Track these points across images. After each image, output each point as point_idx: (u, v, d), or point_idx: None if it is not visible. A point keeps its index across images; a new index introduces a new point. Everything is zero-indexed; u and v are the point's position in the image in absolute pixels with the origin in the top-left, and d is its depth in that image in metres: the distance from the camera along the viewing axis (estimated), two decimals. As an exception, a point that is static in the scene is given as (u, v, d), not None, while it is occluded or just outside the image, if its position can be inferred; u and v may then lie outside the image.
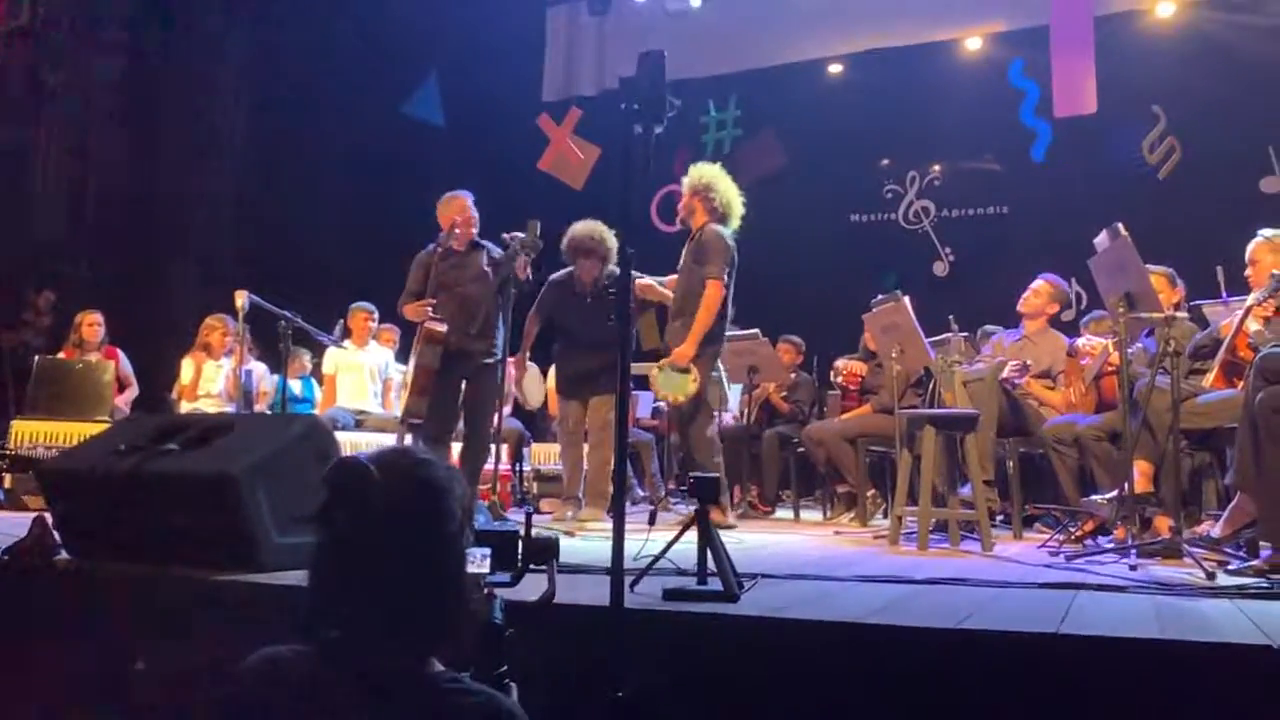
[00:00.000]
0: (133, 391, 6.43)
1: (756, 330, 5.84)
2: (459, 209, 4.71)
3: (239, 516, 2.43)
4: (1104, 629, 1.89)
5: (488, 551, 1.75)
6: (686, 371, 4.57)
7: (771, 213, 8.73)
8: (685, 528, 2.33)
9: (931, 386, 4.63)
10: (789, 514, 6.06)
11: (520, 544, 2.06)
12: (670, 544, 2.36)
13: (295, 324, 4.95)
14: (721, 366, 5.97)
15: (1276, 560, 2.83)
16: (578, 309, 4.98)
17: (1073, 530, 3.92)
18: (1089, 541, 3.84)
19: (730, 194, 4.80)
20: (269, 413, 5.84)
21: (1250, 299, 3.48)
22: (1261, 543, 3.08)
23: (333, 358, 6.13)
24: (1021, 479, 4.61)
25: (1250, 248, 3.87)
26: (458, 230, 4.63)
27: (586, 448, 5.01)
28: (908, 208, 8.74)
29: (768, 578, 2.56)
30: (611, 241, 4.84)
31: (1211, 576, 2.73)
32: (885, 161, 8.80)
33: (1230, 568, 2.94)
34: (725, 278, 4.63)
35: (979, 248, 8.15)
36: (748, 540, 4.05)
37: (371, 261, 7.29)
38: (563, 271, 5.06)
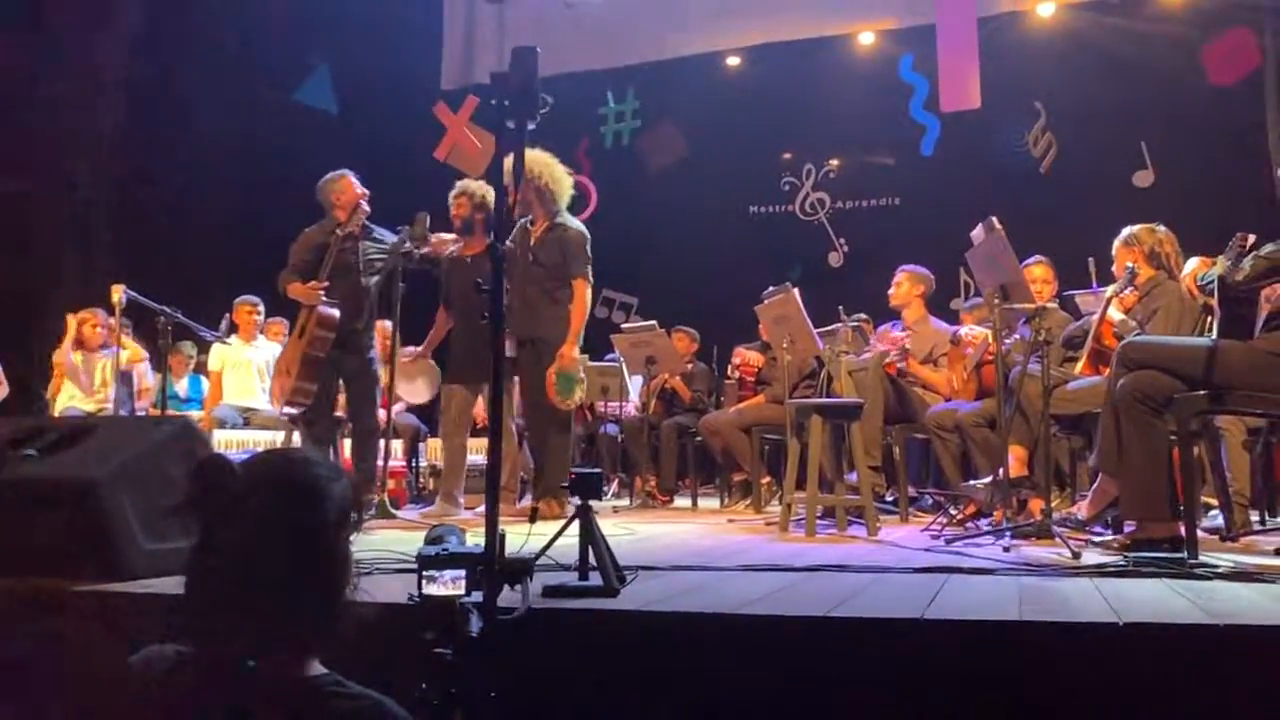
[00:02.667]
0: (2, 391, 6.12)
1: (653, 322, 5.88)
2: (348, 188, 4.56)
3: (103, 523, 2.33)
4: (968, 612, 1.96)
5: (461, 574, 1.73)
6: (575, 374, 4.52)
7: (672, 204, 8.84)
8: (566, 524, 2.32)
9: (823, 376, 4.73)
10: (688, 503, 6.12)
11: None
12: (551, 540, 2.36)
13: (175, 319, 4.77)
14: (621, 358, 6.00)
15: (1138, 535, 2.97)
16: (466, 283, 4.72)
17: (954, 514, 4.06)
18: (970, 524, 3.98)
19: (563, 182, 4.66)
20: (152, 412, 5.63)
21: (1109, 290, 3.65)
22: (1125, 521, 3.24)
23: (219, 354, 5.94)
24: (907, 464, 4.75)
25: (1115, 246, 4.07)
26: (365, 208, 4.52)
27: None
28: (804, 199, 8.90)
29: (651, 570, 2.58)
30: None
31: (1077, 556, 2.87)
32: (787, 155, 8.94)
33: (1098, 541, 3.09)
34: (588, 273, 4.57)
35: (872, 239, 8.35)
36: (641, 530, 4.08)
37: (261, 254, 7.07)
38: (456, 245, 4.92)
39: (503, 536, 1.90)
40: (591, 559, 2.23)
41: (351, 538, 1.33)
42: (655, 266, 8.63)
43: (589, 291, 4.60)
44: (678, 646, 1.92)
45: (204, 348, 6.16)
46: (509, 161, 1.94)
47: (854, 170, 8.73)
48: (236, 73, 8.10)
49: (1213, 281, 3.11)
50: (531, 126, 1.91)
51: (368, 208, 4.54)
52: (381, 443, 4.39)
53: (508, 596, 1.88)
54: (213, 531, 1.22)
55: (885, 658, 1.87)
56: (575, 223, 4.66)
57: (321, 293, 4.36)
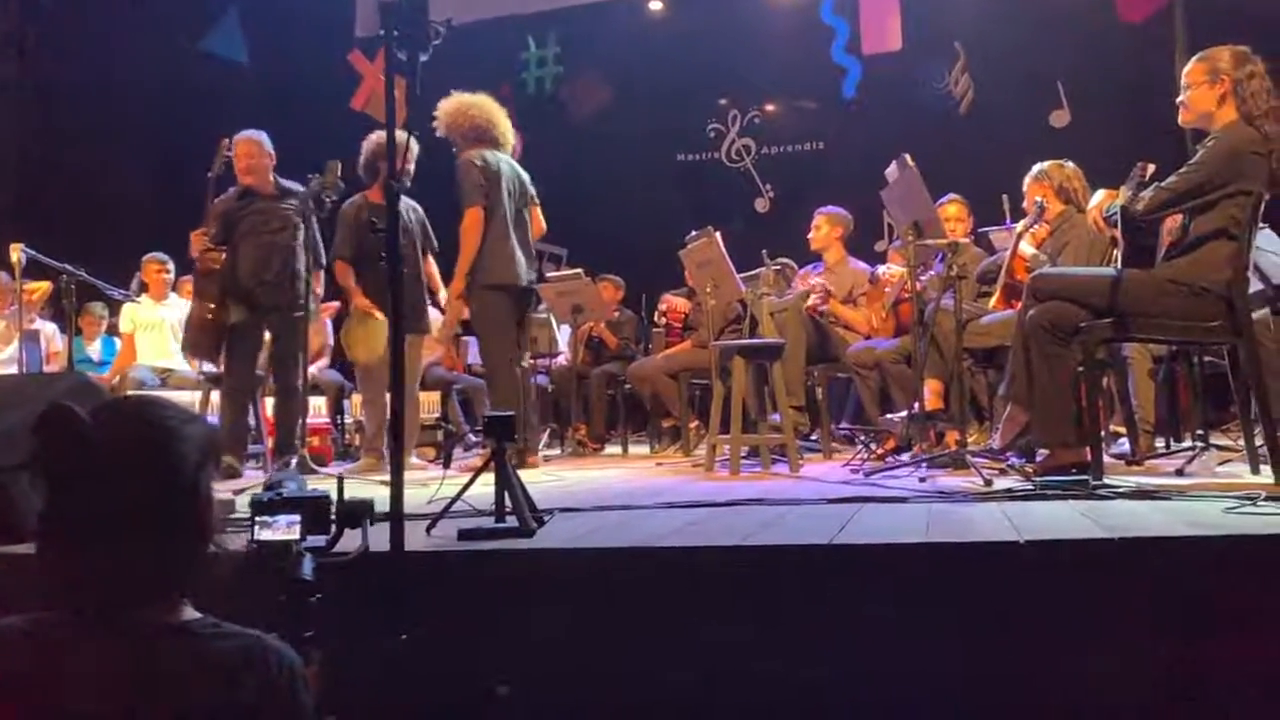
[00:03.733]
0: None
1: (579, 270, 5.84)
2: (244, 153, 4.46)
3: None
4: (876, 537, 2.00)
5: (296, 518, 1.70)
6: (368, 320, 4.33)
7: (599, 153, 8.76)
8: (481, 468, 2.31)
9: (747, 320, 4.76)
10: (619, 450, 6.15)
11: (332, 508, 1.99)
12: (467, 485, 2.35)
13: (78, 278, 4.59)
14: (549, 309, 5.96)
15: (1048, 463, 3.06)
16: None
17: (875, 448, 4.14)
18: (890, 458, 4.06)
19: (481, 117, 4.48)
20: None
21: (1020, 226, 3.71)
22: (1037, 449, 3.34)
23: (130, 314, 5.75)
24: (830, 403, 4.82)
25: (1026, 182, 4.13)
26: (251, 175, 4.40)
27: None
28: (730, 146, 8.88)
29: (573, 511, 2.59)
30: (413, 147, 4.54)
31: (989, 483, 2.94)
32: (723, 100, 8.88)
33: (1011, 464, 3.18)
34: (483, 201, 4.33)
35: (798, 183, 8.39)
36: (570, 478, 4.09)
37: (173, 209, 6.84)
38: (360, 194, 4.72)
39: (341, 480, 1.88)
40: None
41: (213, 479, 1.30)
42: (583, 216, 8.54)
43: (479, 221, 4.30)
44: (592, 582, 1.93)
45: (115, 309, 5.96)
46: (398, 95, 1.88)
47: (778, 115, 8.73)
48: (141, 19, 7.74)
49: (1116, 213, 3.19)
50: (424, 58, 1.85)
51: (260, 174, 4.41)
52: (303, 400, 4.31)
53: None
54: (64, 482, 1.18)
55: (796, 583, 1.90)
56: (472, 153, 4.43)
57: (206, 238, 4.29)
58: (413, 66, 1.84)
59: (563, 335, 6.68)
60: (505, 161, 4.52)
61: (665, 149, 8.95)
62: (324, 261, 4.62)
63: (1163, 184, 3.06)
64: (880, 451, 4.12)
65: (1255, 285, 3.55)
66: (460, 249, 4.33)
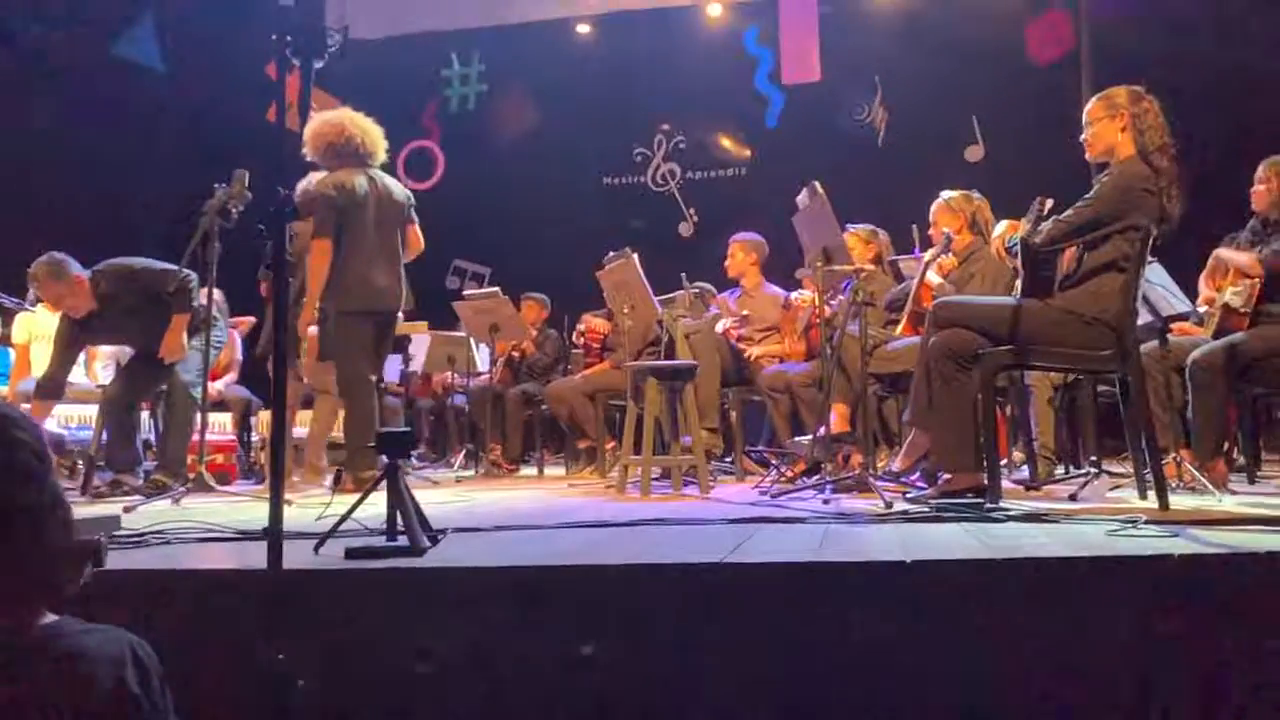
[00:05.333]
0: None
1: (497, 289, 5.80)
2: (50, 293, 4.50)
3: None
4: (768, 556, 2.00)
5: None
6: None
7: (526, 173, 8.73)
8: (372, 486, 2.26)
9: (666, 342, 4.78)
10: (535, 471, 6.10)
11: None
12: (357, 503, 2.29)
13: (-38, 287, 4.41)
14: (466, 329, 5.91)
15: (947, 487, 3.12)
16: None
17: (784, 471, 4.17)
18: (800, 480, 4.10)
19: (336, 136, 4.36)
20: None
21: (927, 255, 3.80)
22: (941, 474, 3.40)
23: (24, 324, 5.52)
24: (745, 425, 4.86)
25: (932, 209, 4.23)
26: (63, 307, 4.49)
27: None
28: (656, 170, 8.95)
29: (472, 531, 2.54)
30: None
31: (889, 505, 2.98)
32: (649, 125, 8.92)
33: (909, 495, 3.22)
34: (330, 233, 4.25)
35: (721, 208, 8.48)
36: (479, 499, 4.03)
37: (79, 216, 6.63)
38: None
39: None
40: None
41: (51, 480, 1.27)
42: (508, 236, 8.53)
43: (326, 252, 4.25)
44: (479, 601, 1.89)
45: (9, 318, 5.72)
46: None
47: (703, 141, 8.83)
48: (53, 17, 7.49)
49: (1017, 244, 3.28)
50: (319, 64, 1.82)
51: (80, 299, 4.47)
52: (198, 415, 4.18)
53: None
54: None
55: (686, 601, 1.89)
56: (329, 179, 4.33)
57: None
58: (306, 75, 1.80)
59: (481, 354, 6.62)
60: (373, 180, 4.40)
61: (591, 171, 8.98)
62: (213, 276, 4.48)
63: (1060, 217, 3.17)
64: (790, 474, 4.16)
65: (1145, 317, 3.67)
66: (309, 277, 4.30)
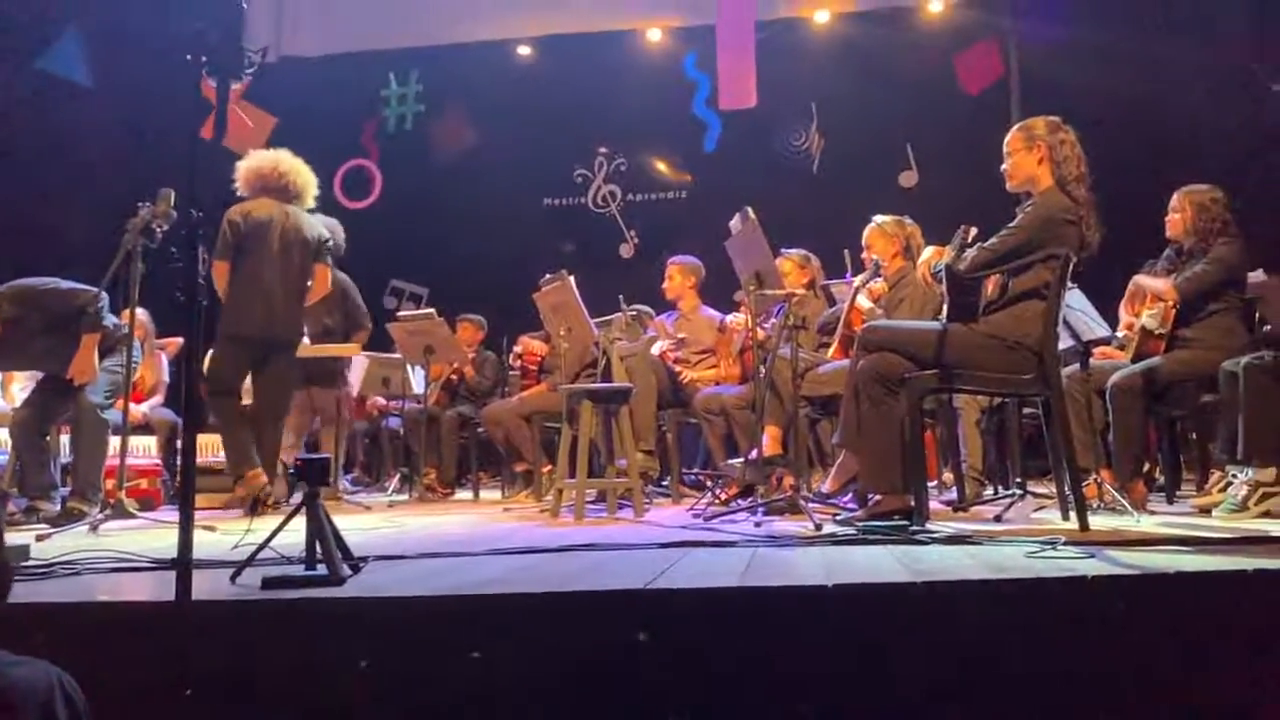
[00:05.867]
0: None
1: (431, 311, 5.75)
2: None
3: None
4: (692, 581, 1.99)
5: None
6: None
7: (465, 194, 8.68)
8: (291, 514, 2.21)
9: (604, 365, 4.77)
10: (470, 495, 6.03)
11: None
12: (275, 532, 2.23)
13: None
14: (400, 350, 5.84)
15: (875, 509, 3.15)
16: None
17: (718, 493, 4.18)
18: (736, 502, 4.11)
19: (266, 169, 4.65)
20: None
21: (858, 280, 3.85)
22: (870, 495, 3.43)
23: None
24: (681, 448, 4.86)
25: (866, 233, 4.29)
26: None
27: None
28: (596, 191, 8.96)
29: (397, 559, 2.50)
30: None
31: (819, 528, 3.00)
32: (603, 149, 8.93)
33: (839, 518, 3.25)
34: (228, 256, 4.50)
35: (661, 231, 8.52)
36: (410, 524, 3.97)
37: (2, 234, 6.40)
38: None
39: None
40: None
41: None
42: (447, 256, 8.47)
43: (222, 274, 4.51)
44: (396, 631, 1.86)
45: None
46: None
47: (643, 164, 8.88)
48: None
49: (942, 270, 3.34)
50: (236, 85, 1.79)
51: None
52: (114, 438, 4.07)
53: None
54: None
55: (609, 629, 1.88)
56: (237, 209, 4.60)
57: None
58: (223, 95, 1.77)
59: (417, 376, 6.54)
60: (287, 215, 4.61)
61: (531, 192, 8.96)
62: (135, 296, 4.43)
63: (985, 245, 3.23)
64: (725, 496, 4.17)
65: (1067, 341, 3.76)
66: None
